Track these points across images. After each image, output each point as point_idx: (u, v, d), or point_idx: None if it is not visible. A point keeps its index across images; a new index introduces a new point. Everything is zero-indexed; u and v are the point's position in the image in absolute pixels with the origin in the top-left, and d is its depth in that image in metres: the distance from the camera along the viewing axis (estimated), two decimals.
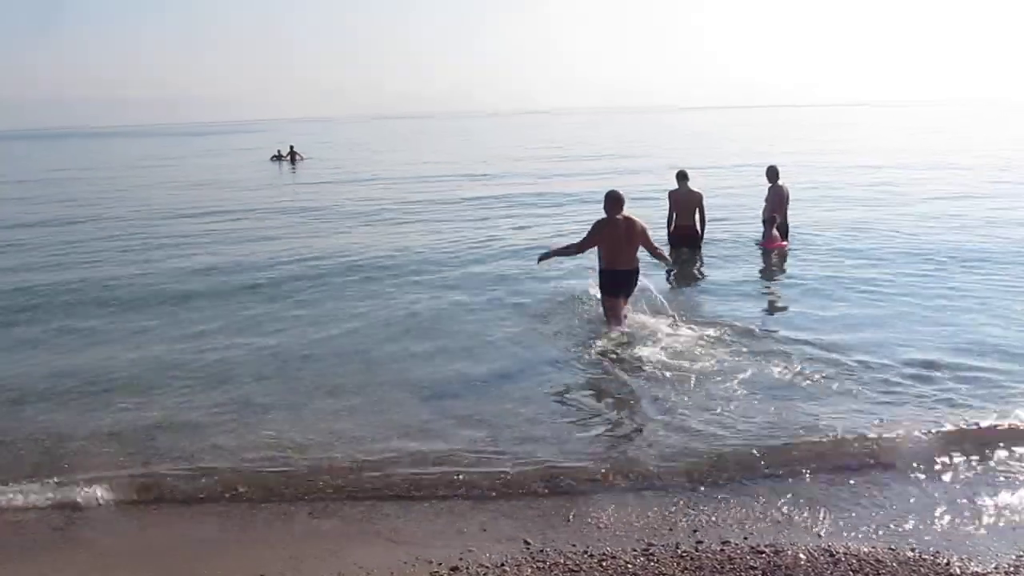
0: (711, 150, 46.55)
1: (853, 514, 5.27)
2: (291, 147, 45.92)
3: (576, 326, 9.75)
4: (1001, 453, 6.09)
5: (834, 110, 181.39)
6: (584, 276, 10.66)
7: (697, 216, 13.86)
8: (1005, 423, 6.57)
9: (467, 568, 4.70)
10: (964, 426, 6.54)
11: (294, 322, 10.42)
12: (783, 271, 13.25)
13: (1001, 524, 5.13)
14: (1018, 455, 6.05)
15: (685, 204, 13.87)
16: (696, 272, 13.09)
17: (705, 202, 13.98)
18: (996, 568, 4.56)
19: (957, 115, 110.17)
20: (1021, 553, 4.71)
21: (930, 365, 8.00)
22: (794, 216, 14.86)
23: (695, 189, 13.93)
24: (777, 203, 14.36)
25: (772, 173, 14.46)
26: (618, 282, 9.21)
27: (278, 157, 45.56)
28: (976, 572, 4.51)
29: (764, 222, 14.51)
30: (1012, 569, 4.54)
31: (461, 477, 5.94)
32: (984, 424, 6.56)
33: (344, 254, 15.09)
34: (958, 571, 4.52)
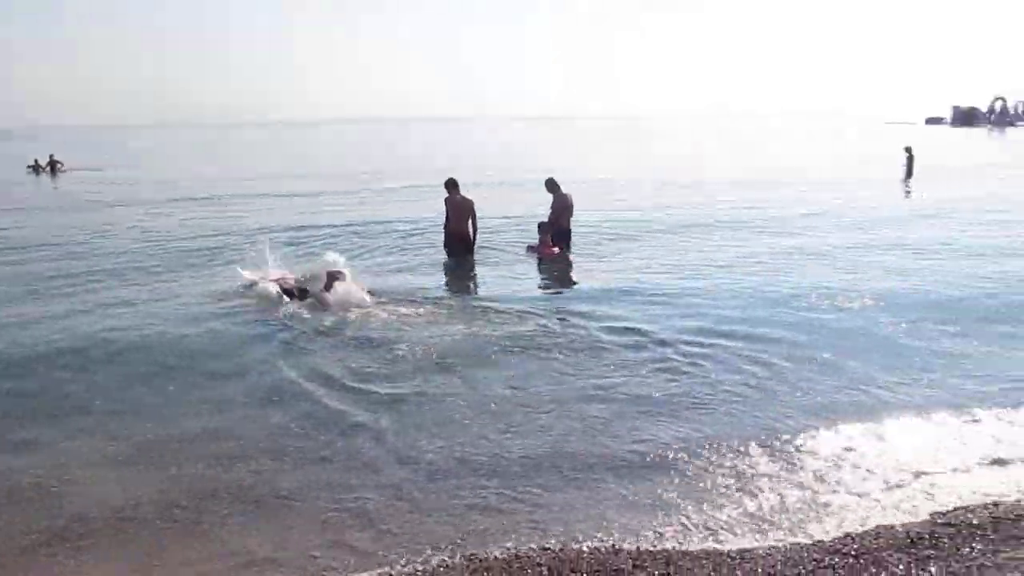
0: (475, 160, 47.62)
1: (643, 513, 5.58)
2: (51, 156, 42.58)
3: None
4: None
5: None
6: None
7: (470, 223, 14.27)
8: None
9: None
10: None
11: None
12: (553, 275, 13.82)
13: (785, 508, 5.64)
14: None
15: (458, 211, 14.22)
16: (469, 276, 13.55)
17: (476, 209, 14.36)
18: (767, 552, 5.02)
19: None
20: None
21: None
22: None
23: (467, 196, 14.33)
24: (560, 211, 14.95)
25: (551, 184, 15.04)
26: None
27: (35, 167, 42.00)
28: (743, 551, 4.96)
29: (539, 228, 15.01)
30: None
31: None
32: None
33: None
34: (733, 553, 4.94)
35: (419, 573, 4.76)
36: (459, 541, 5.14)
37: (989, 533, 4.93)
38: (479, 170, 34.60)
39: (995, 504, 5.40)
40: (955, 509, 5.35)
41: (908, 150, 31.54)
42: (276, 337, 9.72)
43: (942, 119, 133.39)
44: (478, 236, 14.53)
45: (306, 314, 10.64)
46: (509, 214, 19.11)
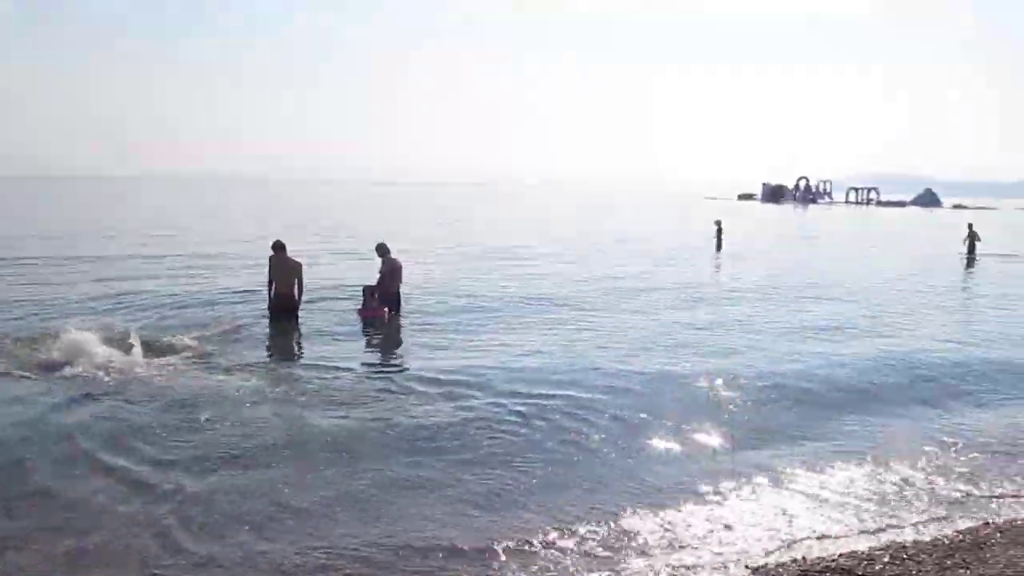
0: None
1: None
2: None
3: None
4: None
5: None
6: None
7: (296, 285, 13.99)
8: None
9: None
10: None
11: None
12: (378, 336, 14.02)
13: None
14: None
15: (285, 273, 13.94)
16: (295, 341, 13.31)
17: (304, 271, 14.16)
18: None
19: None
20: None
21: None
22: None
23: (294, 258, 14.12)
24: (388, 275, 14.94)
25: (381, 249, 15.11)
26: None
27: None
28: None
29: (363, 292, 15.08)
30: None
31: None
32: None
33: None
34: None
35: None
36: None
37: None
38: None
39: (802, 558, 5.66)
40: (767, 565, 5.57)
41: (718, 223, 33.30)
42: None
43: (753, 195, 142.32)
44: (302, 298, 14.24)
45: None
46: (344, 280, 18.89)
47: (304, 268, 14.21)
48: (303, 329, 13.77)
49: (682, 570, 5.56)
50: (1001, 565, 5.25)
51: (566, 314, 15.70)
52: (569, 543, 5.93)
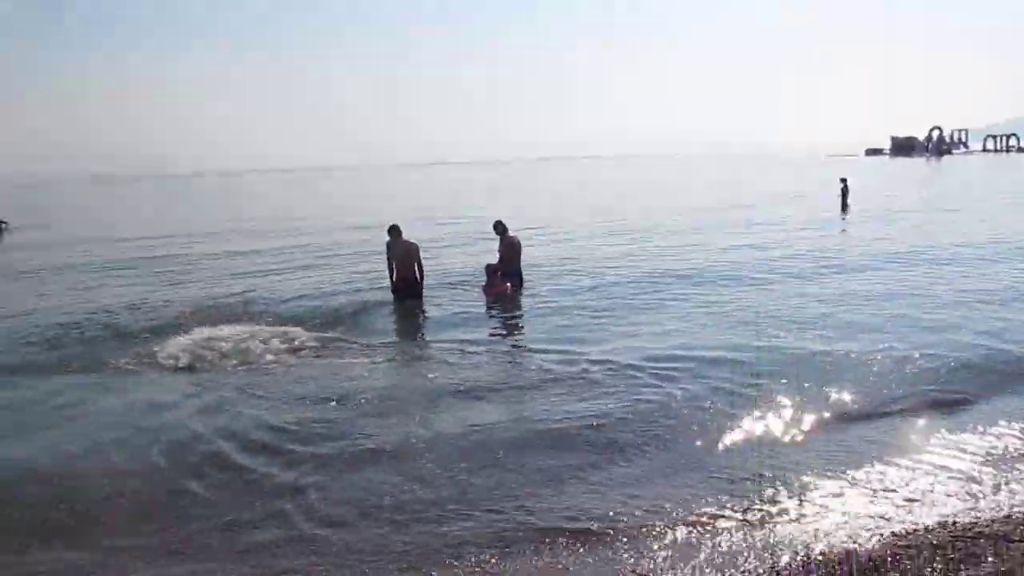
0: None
1: None
2: None
3: None
4: None
5: None
6: None
7: (416, 267, 14.37)
8: None
9: None
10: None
11: None
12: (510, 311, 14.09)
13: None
14: None
15: (403, 256, 14.33)
16: (422, 323, 13.50)
17: (422, 253, 14.57)
18: None
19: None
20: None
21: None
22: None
23: (411, 240, 14.50)
24: (508, 252, 15.22)
25: (499, 227, 15.41)
26: None
27: None
28: None
29: (486, 270, 15.29)
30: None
31: None
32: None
33: None
34: None
35: None
36: None
37: (949, 552, 5.04)
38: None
39: (953, 523, 5.52)
40: (914, 531, 5.45)
41: (843, 181, 32.16)
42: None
43: (882, 150, 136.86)
44: (425, 279, 14.60)
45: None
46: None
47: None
48: (429, 311, 13.99)
49: (833, 529, 5.53)
50: None
51: (695, 290, 15.33)
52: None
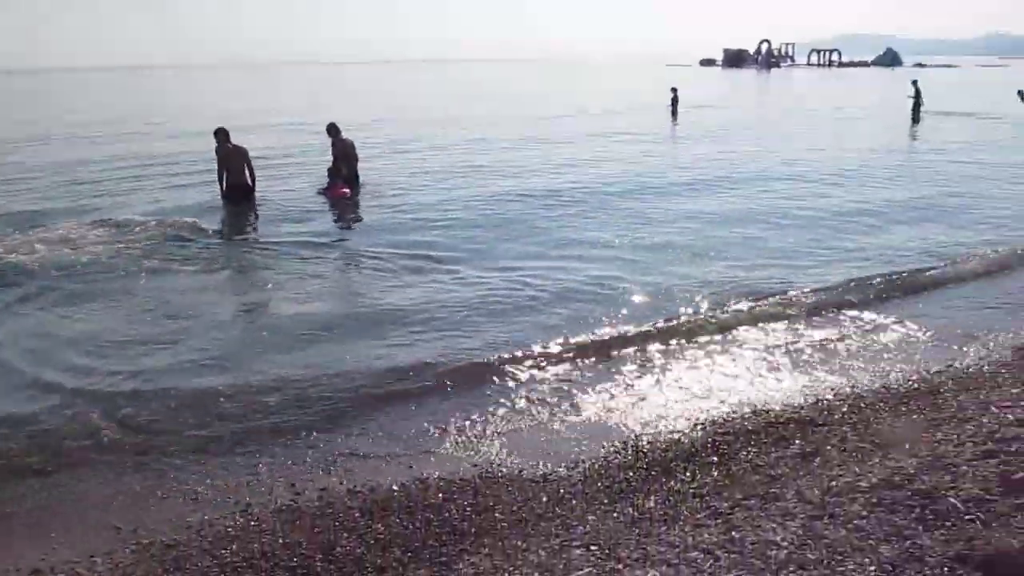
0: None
1: (445, 443, 5.75)
2: None
3: None
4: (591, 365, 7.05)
5: None
6: None
7: (247, 171, 13.96)
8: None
9: (52, 570, 4.36)
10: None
11: None
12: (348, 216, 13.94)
13: (576, 430, 5.95)
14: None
15: (232, 160, 13.88)
16: (252, 226, 13.16)
17: (251, 157, 14.17)
18: (568, 473, 5.30)
19: None
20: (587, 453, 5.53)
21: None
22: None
23: (239, 145, 14.06)
24: (342, 156, 15.03)
25: (332, 129, 15.24)
26: None
27: None
28: (545, 475, 5.22)
29: (328, 173, 15.22)
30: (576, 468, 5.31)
31: None
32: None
33: None
34: (536, 478, 5.19)
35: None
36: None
37: (762, 437, 5.44)
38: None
39: (767, 411, 5.96)
40: (732, 419, 5.85)
41: (674, 91, 33.61)
42: None
43: (715, 60, 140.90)
44: (257, 183, 14.20)
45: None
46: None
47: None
48: (262, 212, 13.74)
49: (657, 420, 5.87)
50: (953, 409, 5.57)
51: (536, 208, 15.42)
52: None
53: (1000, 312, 8.51)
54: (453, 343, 7.62)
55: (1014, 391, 5.73)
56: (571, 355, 7.30)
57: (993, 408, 5.34)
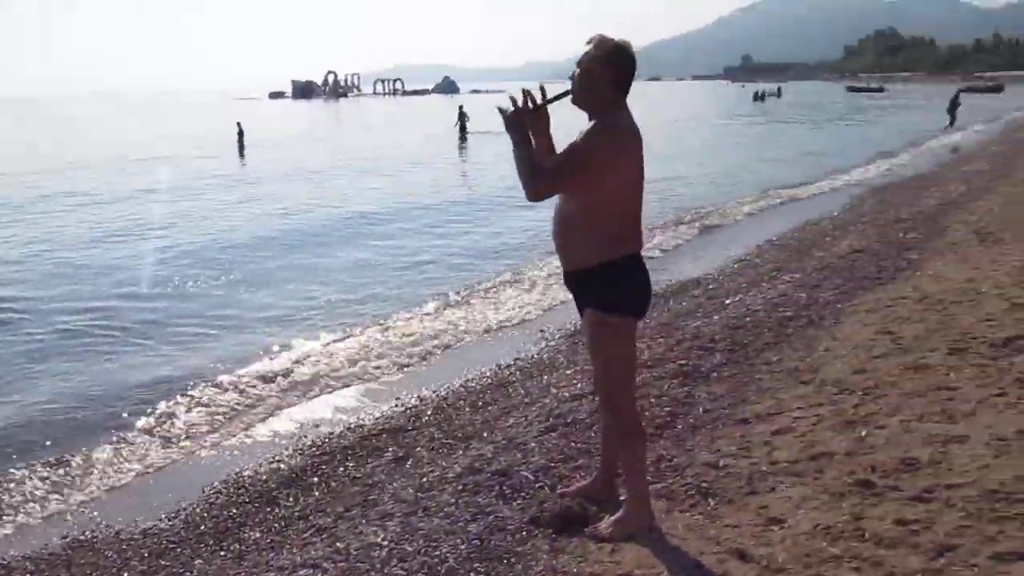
0: None
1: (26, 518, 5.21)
2: None
3: None
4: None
5: None
6: None
7: None
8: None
9: None
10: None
11: None
12: None
13: (178, 478, 5.70)
14: None
15: None
16: None
17: None
18: (170, 523, 5.08)
19: None
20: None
21: None
22: None
23: None
24: None
25: None
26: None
27: None
28: (145, 530, 4.95)
29: None
30: None
31: None
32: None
33: None
34: (135, 535, 4.90)
35: None
36: None
37: (358, 451, 5.69)
38: None
39: (360, 427, 6.23)
40: (328, 440, 6.03)
41: (239, 125, 34.22)
42: None
43: (284, 93, 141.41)
44: None
45: None
46: None
47: None
48: None
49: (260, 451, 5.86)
50: (521, 394, 6.29)
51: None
52: None
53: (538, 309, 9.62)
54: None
55: (567, 372, 6.60)
56: (158, 407, 6.98)
57: (552, 389, 6.13)
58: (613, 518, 3.73)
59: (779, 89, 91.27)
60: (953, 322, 6.19)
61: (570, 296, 3.74)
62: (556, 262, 4.85)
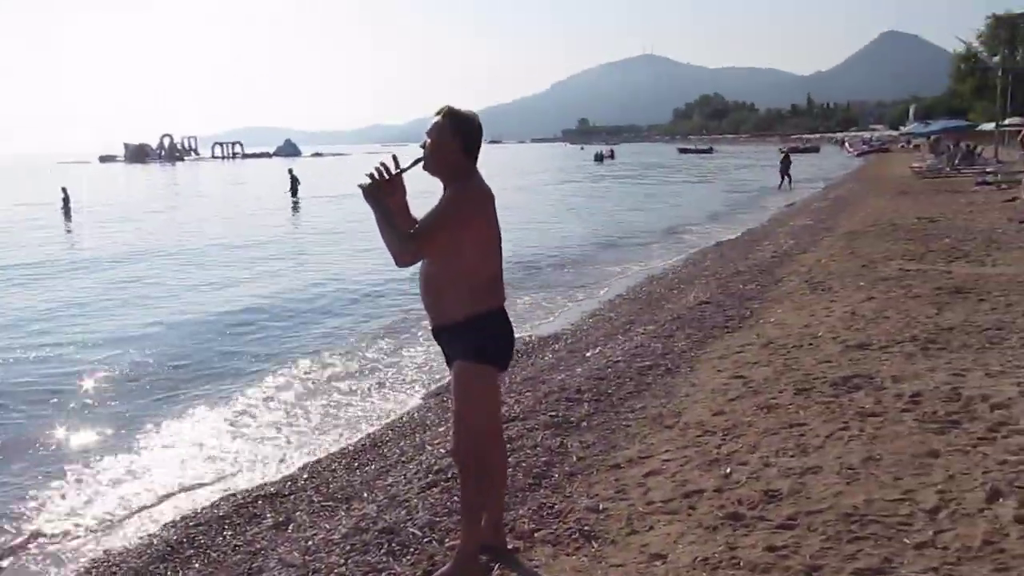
0: None
1: None
2: None
3: None
4: None
5: None
6: None
7: None
8: None
9: None
10: None
11: None
12: None
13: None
14: None
15: None
16: None
17: None
18: None
19: None
20: None
21: None
22: None
23: None
24: None
25: None
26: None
27: None
28: None
29: None
30: None
31: None
32: None
33: None
34: None
35: None
36: None
37: (235, 519, 5.57)
38: None
39: (234, 494, 6.11)
40: (203, 509, 5.88)
41: (64, 190, 32.85)
42: None
43: (116, 156, 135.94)
44: None
45: None
46: None
47: None
48: None
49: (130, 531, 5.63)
50: (397, 453, 6.34)
51: None
52: None
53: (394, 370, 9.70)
54: None
55: (440, 429, 6.70)
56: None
57: (428, 446, 6.21)
58: (437, 573, 3.89)
59: (612, 151, 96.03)
60: (796, 364, 6.73)
61: (436, 353, 3.93)
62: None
